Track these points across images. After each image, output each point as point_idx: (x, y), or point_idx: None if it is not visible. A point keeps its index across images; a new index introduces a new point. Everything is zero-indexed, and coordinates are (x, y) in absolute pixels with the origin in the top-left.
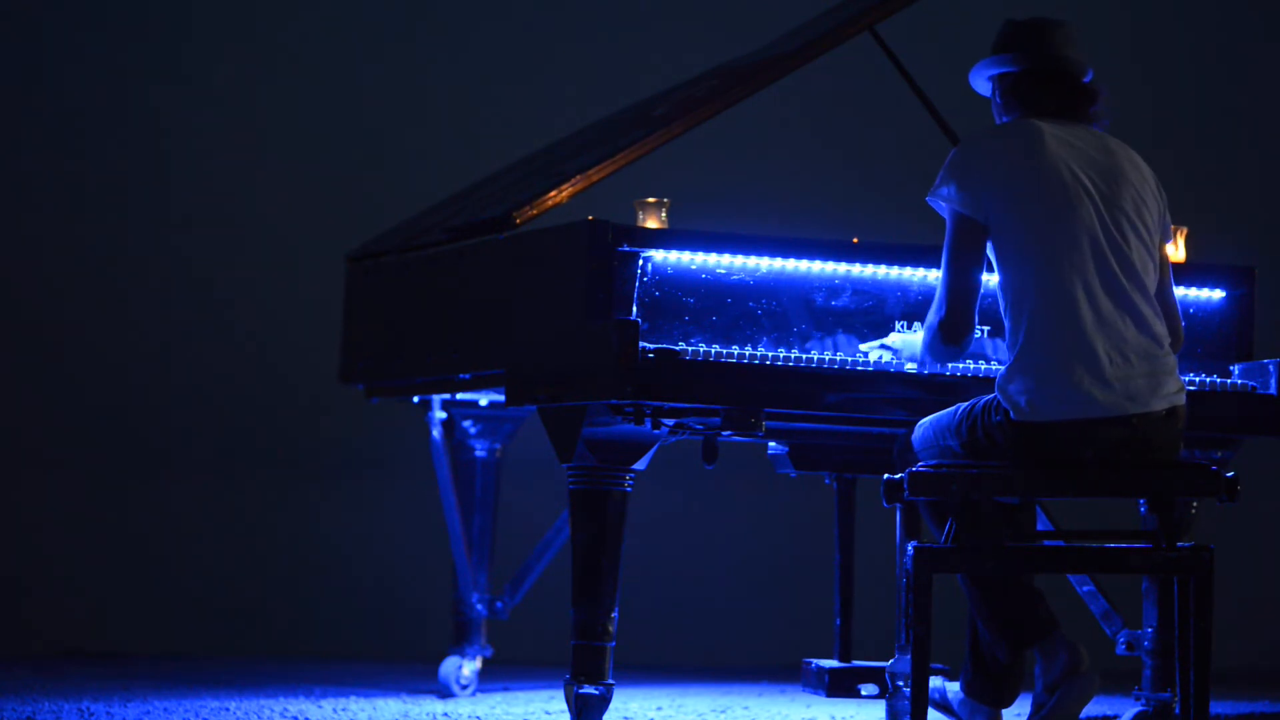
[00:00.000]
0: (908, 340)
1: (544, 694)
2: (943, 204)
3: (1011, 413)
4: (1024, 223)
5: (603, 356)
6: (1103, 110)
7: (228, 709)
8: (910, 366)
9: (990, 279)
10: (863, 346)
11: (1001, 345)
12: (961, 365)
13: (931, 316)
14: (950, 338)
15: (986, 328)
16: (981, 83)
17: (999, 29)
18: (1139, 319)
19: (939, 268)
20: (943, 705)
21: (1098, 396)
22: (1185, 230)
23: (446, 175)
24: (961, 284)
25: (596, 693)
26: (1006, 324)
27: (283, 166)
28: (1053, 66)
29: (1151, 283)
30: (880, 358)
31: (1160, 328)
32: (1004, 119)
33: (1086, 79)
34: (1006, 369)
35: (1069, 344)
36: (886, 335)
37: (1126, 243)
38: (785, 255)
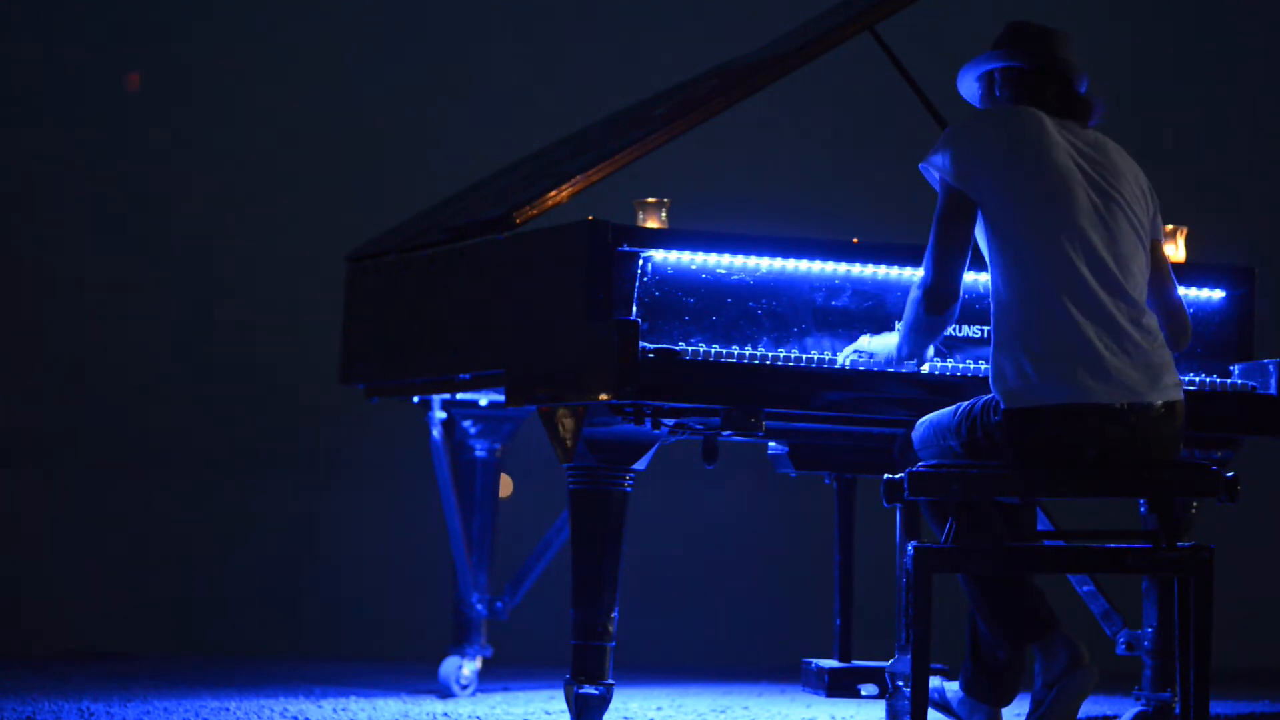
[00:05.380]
0: (878, 342)
1: (544, 694)
2: (934, 172)
3: (1003, 401)
4: (1018, 204)
5: (603, 356)
6: (1099, 117)
7: (228, 709)
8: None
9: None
10: (838, 356)
11: None
12: (962, 365)
13: (915, 290)
14: (935, 306)
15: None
16: (970, 83)
17: (1004, 29)
18: (1133, 308)
19: None
20: (942, 705)
21: (1091, 384)
22: (1185, 230)
23: (446, 175)
24: (948, 252)
25: (596, 693)
26: (998, 307)
27: (283, 167)
28: (1059, 69)
29: (1143, 275)
30: (852, 363)
31: (1151, 320)
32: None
33: (1082, 88)
34: (996, 355)
35: (1063, 331)
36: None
37: (1120, 232)
38: (785, 255)
